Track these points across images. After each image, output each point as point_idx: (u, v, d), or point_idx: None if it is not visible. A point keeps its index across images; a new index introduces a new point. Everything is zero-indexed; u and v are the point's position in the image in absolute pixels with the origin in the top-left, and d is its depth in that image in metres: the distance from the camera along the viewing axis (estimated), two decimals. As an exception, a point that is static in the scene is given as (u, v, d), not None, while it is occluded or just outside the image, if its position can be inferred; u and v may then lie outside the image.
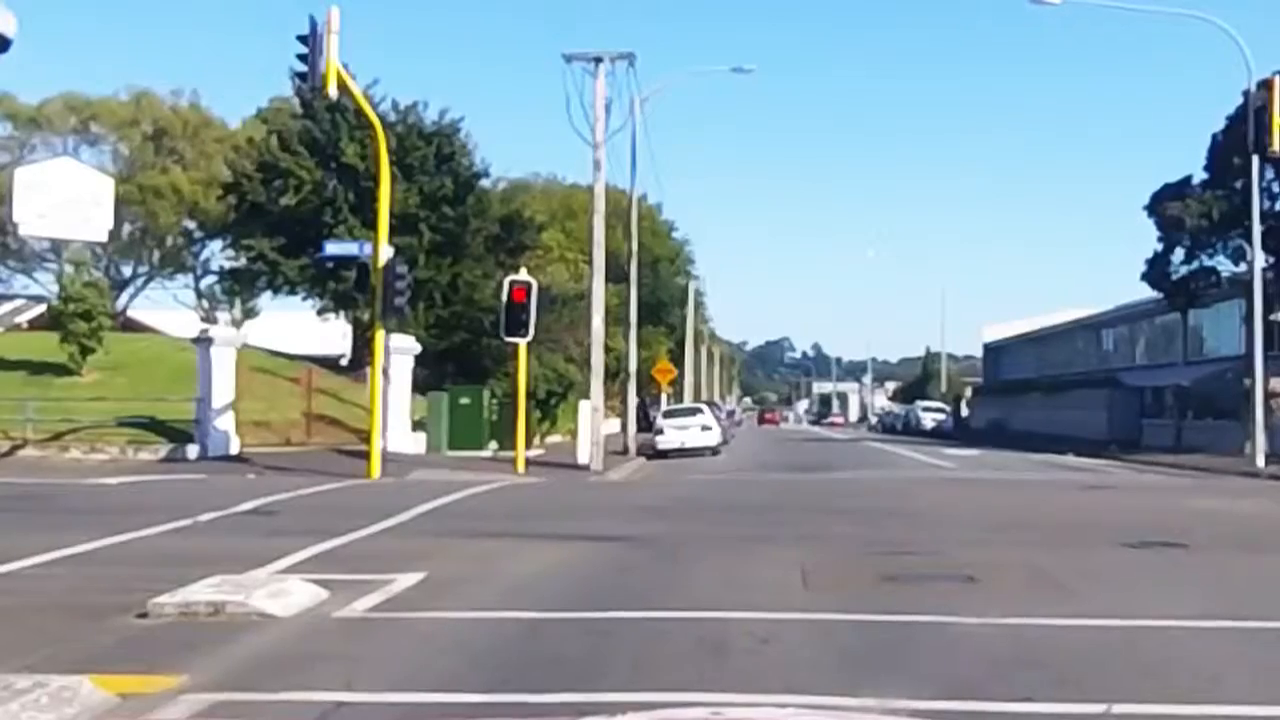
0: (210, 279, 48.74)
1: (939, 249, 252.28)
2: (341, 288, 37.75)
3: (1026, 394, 69.95)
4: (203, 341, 27.97)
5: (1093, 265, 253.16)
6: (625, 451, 37.89)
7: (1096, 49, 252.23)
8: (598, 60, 29.63)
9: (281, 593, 8.27)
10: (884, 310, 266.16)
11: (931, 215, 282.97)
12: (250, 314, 55.65)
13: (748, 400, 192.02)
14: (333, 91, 22.14)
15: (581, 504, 16.49)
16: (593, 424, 29.59)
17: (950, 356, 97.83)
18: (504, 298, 26.65)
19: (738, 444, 54.54)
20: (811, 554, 10.84)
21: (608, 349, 55.77)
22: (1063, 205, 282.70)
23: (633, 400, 39.00)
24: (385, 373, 28.81)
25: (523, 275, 27.18)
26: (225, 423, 27.58)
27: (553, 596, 8.67)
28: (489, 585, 9.27)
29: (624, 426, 38.87)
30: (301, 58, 22.00)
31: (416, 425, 31.73)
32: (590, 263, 30.44)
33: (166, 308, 57.41)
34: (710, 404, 53.59)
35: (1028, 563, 10.27)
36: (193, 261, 48.41)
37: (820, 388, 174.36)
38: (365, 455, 26.84)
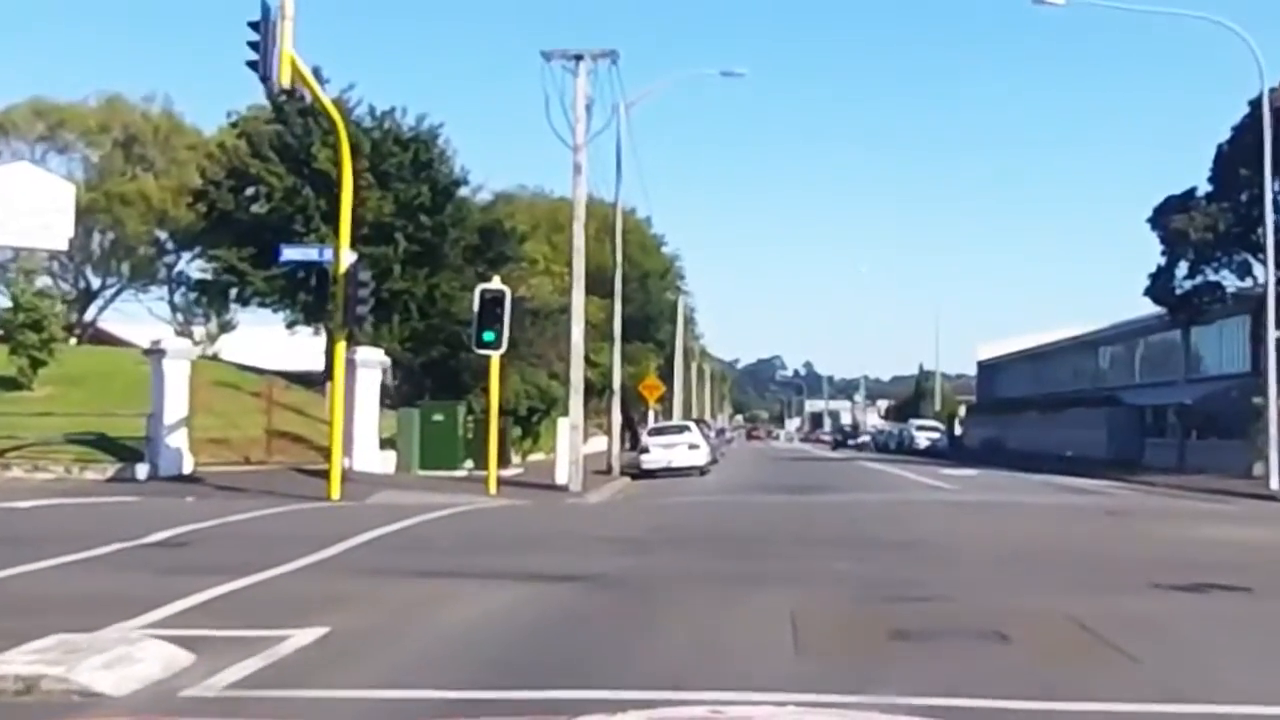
0: (186, 291, 46.85)
1: (932, 266, 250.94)
2: (311, 299, 35.86)
3: (1022, 412, 68.22)
4: (154, 353, 26.07)
5: (1088, 283, 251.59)
6: (609, 471, 36.02)
7: (1096, 60, 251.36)
8: (578, 58, 27.87)
9: (125, 660, 6.40)
10: (876, 328, 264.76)
11: (925, 232, 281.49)
12: (226, 327, 53.77)
13: (739, 418, 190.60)
14: (286, 82, 20.30)
15: (548, 532, 14.61)
16: (572, 443, 27.74)
17: (943, 375, 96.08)
18: (475, 308, 24.83)
19: (728, 463, 52.67)
20: (804, 599, 9.01)
21: (593, 364, 54.03)
22: (1057, 222, 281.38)
23: (617, 417, 37.14)
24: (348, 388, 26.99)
25: (495, 284, 25.35)
26: (178, 440, 25.65)
27: (477, 665, 6.81)
28: (402, 646, 7.41)
29: (610, 445, 36.99)
30: (253, 45, 20.16)
31: (386, 443, 29.84)
32: (570, 272, 28.60)
33: (140, 321, 55.47)
34: (699, 422, 51.70)
35: (1067, 613, 8.42)
36: (166, 273, 46.47)
37: (812, 406, 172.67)
38: (327, 475, 25.10)
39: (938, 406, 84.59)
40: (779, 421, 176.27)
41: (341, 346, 23.53)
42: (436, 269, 37.83)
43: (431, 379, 39.22)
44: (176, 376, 25.59)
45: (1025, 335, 77.26)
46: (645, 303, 72.72)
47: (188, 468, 25.56)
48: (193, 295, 45.19)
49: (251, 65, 20.30)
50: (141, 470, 25.16)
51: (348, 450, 28.09)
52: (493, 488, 24.50)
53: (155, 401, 25.49)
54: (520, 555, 11.74)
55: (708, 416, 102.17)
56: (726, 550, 12.18)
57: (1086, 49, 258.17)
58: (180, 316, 54.38)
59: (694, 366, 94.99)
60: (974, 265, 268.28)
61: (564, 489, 27.21)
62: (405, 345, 37.06)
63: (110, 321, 54.04)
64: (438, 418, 30.52)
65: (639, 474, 36.57)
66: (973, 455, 61.21)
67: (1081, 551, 12.79)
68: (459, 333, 38.94)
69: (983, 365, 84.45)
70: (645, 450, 36.91)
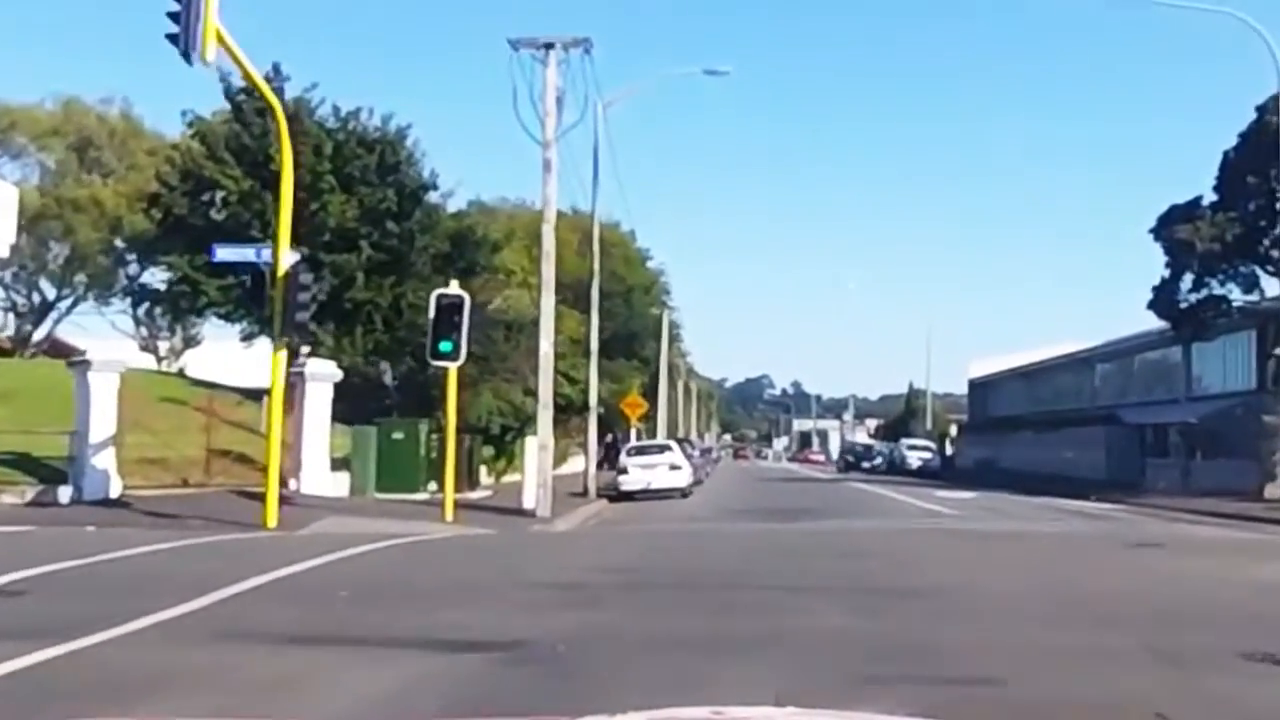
0: (135, 303, 44.28)
1: (921, 284, 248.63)
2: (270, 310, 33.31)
3: (1016, 432, 65.93)
4: (78, 365, 23.58)
5: (1082, 300, 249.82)
6: (585, 493, 33.55)
7: (1091, 70, 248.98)
8: (548, 46, 25.54)
9: None
10: (865, 347, 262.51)
11: (913, 250, 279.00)
12: (191, 341, 51.26)
13: (727, 437, 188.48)
14: (209, 57, 17.87)
15: (488, 574, 12.14)
16: (540, 464, 25.29)
17: (933, 394, 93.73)
18: (431, 315, 22.42)
19: (713, 483, 50.19)
20: (793, 678, 6.61)
21: (572, 381, 51.66)
22: (1048, 238, 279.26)
23: (593, 436, 34.69)
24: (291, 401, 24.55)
25: (453, 289, 22.93)
26: (105, 460, 23.13)
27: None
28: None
29: (586, 465, 34.51)
30: (173, 16, 17.75)
31: (341, 464, 27.38)
32: (539, 279, 26.21)
33: (104, 336, 52.90)
34: (682, 441, 49.17)
35: (1151, 706, 6.01)
36: (127, 284, 43.86)
37: (800, 425, 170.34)
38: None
39: (929, 425, 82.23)
40: (767, 441, 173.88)
41: (281, 357, 21.07)
42: (403, 278, 35.46)
43: (398, 394, 36.75)
44: (103, 390, 23.08)
45: (1018, 353, 75.15)
46: (629, 318, 70.37)
47: (116, 490, 23.06)
48: (145, 307, 42.67)
49: (171, 39, 17.86)
50: (64, 493, 22.66)
51: (295, 472, 25.66)
52: (449, 514, 22.04)
53: (79, 418, 23.00)
54: (438, 610, 9.28)
55: (694, 435, 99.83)
56: (697, 600, 9.73)
57: (1081, 57, 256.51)
58: (144, 330, 51.83)
59: (680, 384, 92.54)
60: (964, 283, 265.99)
61: (531, 514, 24.79)
62: (368, 359, 34.59)
63: (74, 336, 51.51)
64: (398, 435, 28.07)
65: (617, 496, 34.15)
66: (966, 476, 58.94)
67: (1129, 600, 10.37)
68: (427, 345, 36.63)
69: (974, 383, 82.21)
70: (623, 471, 34.47)
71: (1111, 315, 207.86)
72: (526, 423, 40.28)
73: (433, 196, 36.85)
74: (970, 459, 69.60)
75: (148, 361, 50.54)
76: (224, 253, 23.46)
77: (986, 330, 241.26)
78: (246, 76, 19.12)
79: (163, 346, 52.99)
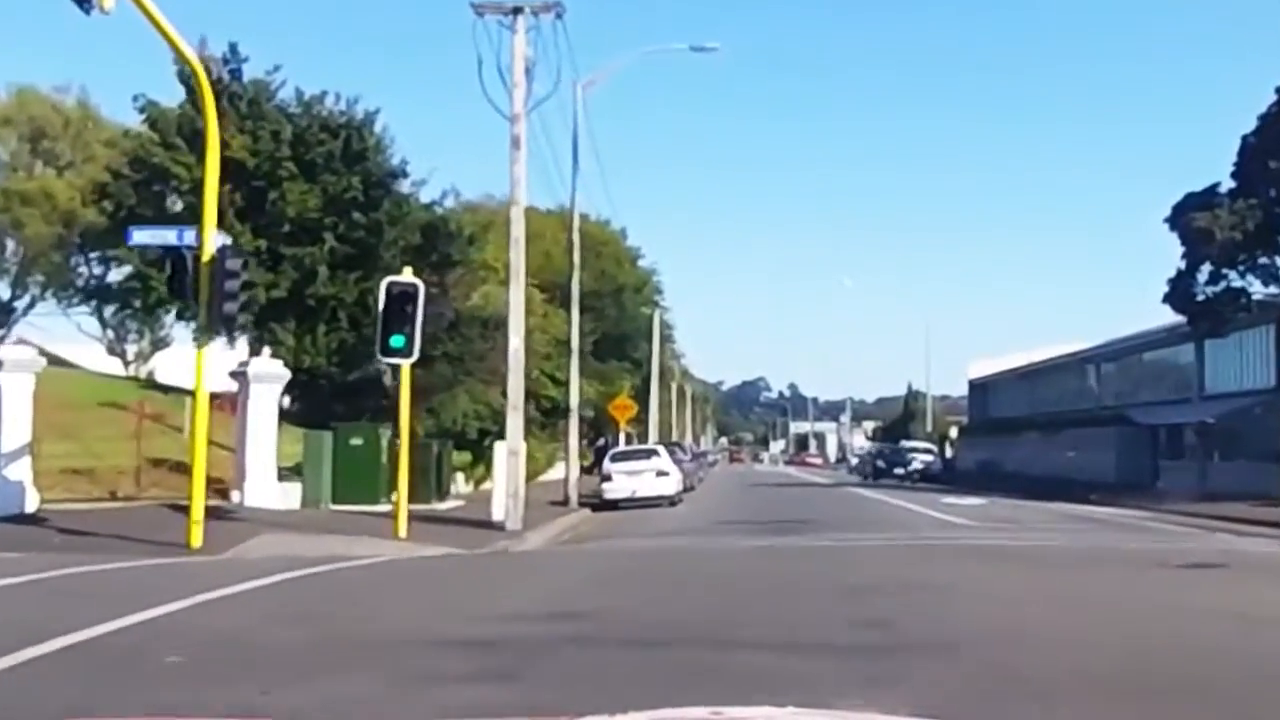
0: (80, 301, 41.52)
1: (919, 285, 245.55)
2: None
3: (1020, 433, 63.24)
4: (-15, 365, 20.85)
5: (1081, 301, 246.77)
6: (565, 502, 30.89)
7: (1093, 58, 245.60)
8: (516, 11, 22.87)
9: None
10: (862, 350, 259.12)
11: (911, 250, 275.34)
12: (160, 344, 48.54)
13: (724, 440, 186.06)
14: (109, 5, 15.19)
15: (399, 618, 9.44)
16: (510, 471, 22.62)
17: (931, 395, 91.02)
18: (380, 305, 19.76)
19: (706, 488, 47.52)
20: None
21: (558, 382, 48.99)
22: (1047, 235, 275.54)
23: (574, 440, 32.00)
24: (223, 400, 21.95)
25: (406, 276, 20.27)
26: (19, 471, 20.44)
27: None
28: None
29: (567, 472, 31.79)
30: (65, -43, 15.08)
31: (292, 472, 24.72)
32: (509, 268, 23.56)
33: (71, 340, 50.21)
34: (673, 445, 46.37)
35: None
36: (84, 282, 41.10)
37: (797, 428, 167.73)
38: (207, 513, 20.18)
39: (929, 427, 79.54)
40: (764, 444, 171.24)
41: (204, 354, 18.41)
42: (371, 272, 32.67)
43: (366, 398, 34.06)
44: (16, 393, 20.37)
45: (1019, 353, 72.56)
46: (620, 319, 67.73)
47: (32, 505, 20.39)
48: (110, 307, 39.97)
49: (63, -15, 15.21)
50: (-29, 510, 20.00)
51: (239, 483, 23.02)
52: (401, 530, 19.37)
53: (-11, 424, 20.33)
54: (290, 684, 6.59)
55: (688, 439, 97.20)
56: (653, 670, 7.00)
57: (1083, 44, 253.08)
58: (110, 332, 49.08)
59: (674, 387, 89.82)
60: (962, 283, 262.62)
61: (499, 527, 22.15)
62: (332, 359, 31.92)
63: (42, 340, 48.85)
64: (356, 441, 25.38)
65: (601, 505, 31.49)
66: (968, 479, 56.31)
67: (1232, 660, 7.68)
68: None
69: (974, 384, 79.56)
70: (608, 478, 31.78)
71: (1112, 315, 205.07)
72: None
73: (404, 186, 34.16)
74: (971, 461, 66.95)
75: (114, 365, 47.84)
76: (140, 235, 20.73)
77: (985, 331, 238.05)
78: (158, 29, 16.48)
79: (131, 350, 50.24)
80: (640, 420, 64.91)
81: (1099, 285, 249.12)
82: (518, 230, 23.06)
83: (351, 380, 33.93)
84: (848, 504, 32.51)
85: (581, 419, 61.88)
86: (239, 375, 23.50)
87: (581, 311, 65.26)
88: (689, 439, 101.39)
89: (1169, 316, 47.10)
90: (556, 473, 44.87)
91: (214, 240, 17.99)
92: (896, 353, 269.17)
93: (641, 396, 66.47)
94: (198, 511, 17.51)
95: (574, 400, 32.27)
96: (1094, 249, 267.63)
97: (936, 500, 34.64)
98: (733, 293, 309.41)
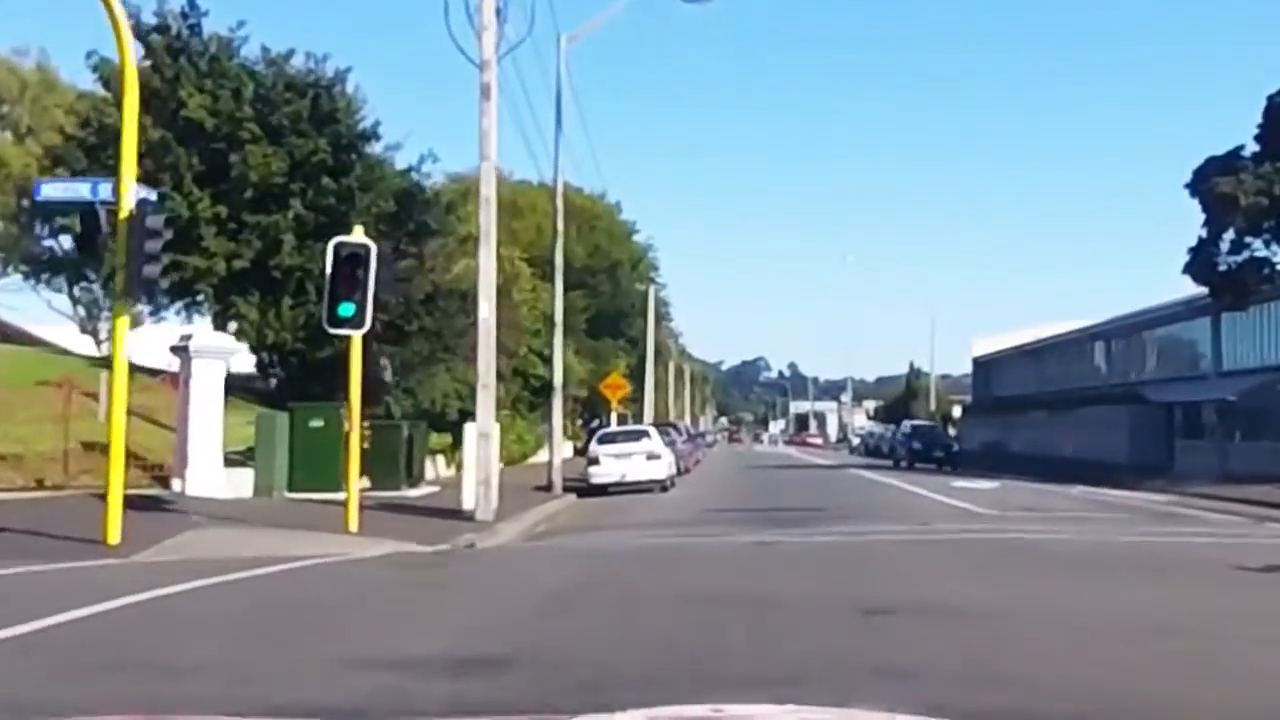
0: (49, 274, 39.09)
1: (919, 262, 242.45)
2: (181, 276, 28.28)
3: (1027, 412, 60.77)
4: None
5: (1085, 277, 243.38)
6: (549, 487, 28.56)
7: (1098, 29, 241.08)
8: (484, -57, 20.40)
9: None
10: (862, 329, 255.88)
11: (911, 228, 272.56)
12: (134, 321, 46.01)
13: (724, 420, 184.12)
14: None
15: (247, 668, 7.00)
16: (480, 457, 20.27)
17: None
18: (328, 268, 17.34)
19: (702, 471, 45.20)
20: None
21: (547, 360, 46.60)
22: (1052, 211, 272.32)
23: (559, 420, 29.64)
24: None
25: (356, 236, 17.84)
26: (-72, 458, 18.16)
27: None
28: None
29: (551, 455, 29.41)
30: None
31: (245, 457, 22.38)
32: (478, 228, 21.14)
33: (38, 318, 47.90)
34: (667, 425, 43.89)
35: None
36: (44, 255, 38.61)
37: (797, 407, 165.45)
38: (141, 503, 18.02)
39: (932, 406, 77.13)
40: (764, 424, 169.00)
41: (124, 323, 16.05)
42: (341, 242, 30.29)
43: (343, 377, 31.69)
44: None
45: (1025, 329, 70.14)
46: (615, 295, 65.36)
47: (-58, 495, 18.12)
48: (77, 282, 37.60)
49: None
50: (-127, 500, 17.70)
51: (180, 470, 20.68)
52: (353, 523, 17.03)
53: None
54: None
55: (686, 419, 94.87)
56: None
57: (1088, 13, 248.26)
58: (82, 310, 46.68)
59: (671, 366, 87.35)
60: (963, 260, 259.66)
61: (469, 517, 19.84)
62: (299, 335, 29.51)
63: (20, 320, 46.57)
64: (316, 424, 23.02)
65: (588, 490, 29.17)
66: (973, 460, 54.00)
67: None
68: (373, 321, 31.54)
69: (978, 362, 77.09)
70: (594, 461, 29.40)
71: (1117, 292, 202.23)
72: (489, 407, 35.33)
73: (378, 151, 31.62)
74: (977, 441, 64.57)
75: (87, 345, 45.49)
76: (50, 189, 18.29)
77: (988, 308, 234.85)
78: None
79: (106, 328, 47.74)
80: (635, 400, 62.57)
81: (1104, 263, 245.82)
82: (488, 189, 20.64)
83: (325, 358, 31.52)
84: (850, 489, 30.14)
85: (575, 399, 59.61)
86: (180, 350, 21.16)
87: (575, 287, 62.94)
88: (687, 419, 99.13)
89: (1179, 291, 44.81)
90: (546, 455, 42.55)
91: (132, 194, 15.57)
92: (898, 332, 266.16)
93: (637, 376, 64.13)
94: (116, 503, 15.15)
95: (557, 377, 29.88)
96: (1099, 226, 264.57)
97: (944, 484, 32.32)
98: (733, 272, 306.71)
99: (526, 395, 44.54)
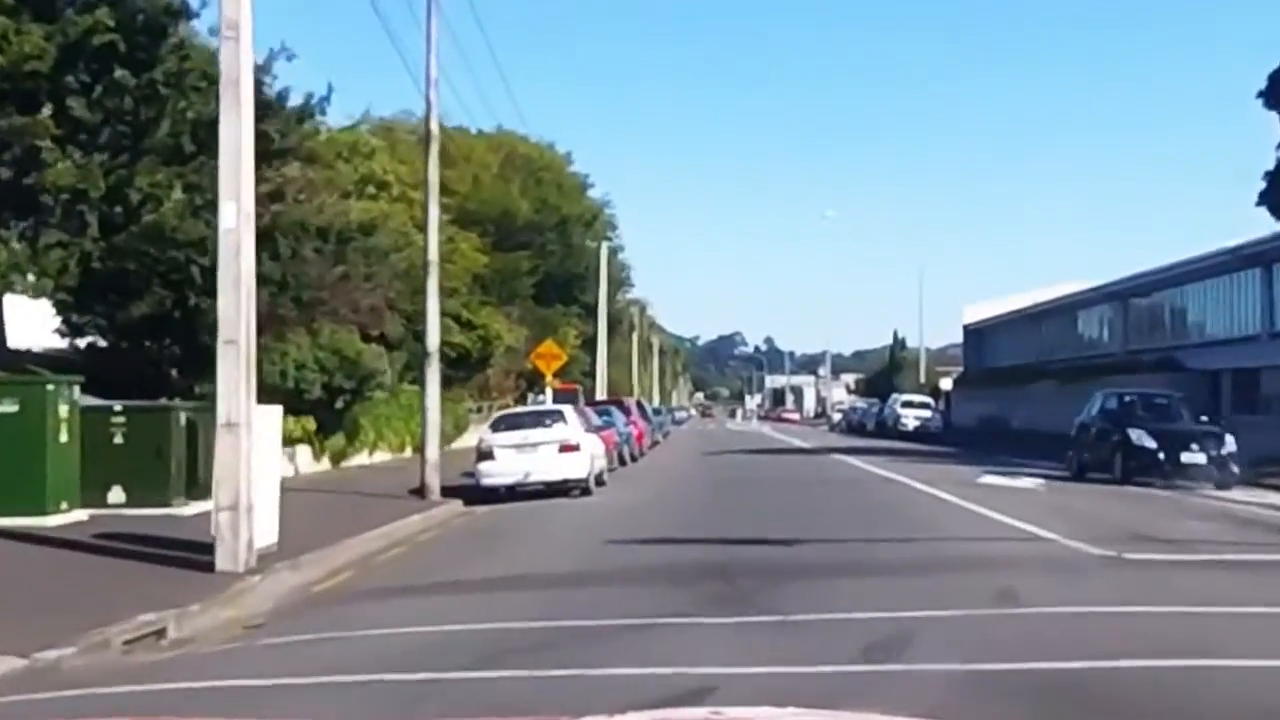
0: None
1: (904, 228, 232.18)
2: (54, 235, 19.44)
3: (1028, 384, 52.30)
4: None
5: (1079, 240, 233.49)
6: (422, 492, 19.89)
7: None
8: None
9: None
10: (841, 300, 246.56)
11: (895, 192, 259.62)
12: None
13: (699, 396, 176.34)
14: None
15: None
16: (227, 461, 11.60)
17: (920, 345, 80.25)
18: None
19: (657, 457, 36.61)
20: None
21: (468, 325, 37.86)
22: (1043, 173, 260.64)
23: (434, 397, 20.82)
24: None
25: None
26: None
27: None
28: None
29: (425, 445, 20.50)
30: None
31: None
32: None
33: None
34: (610, 404, 34.88)
35: None
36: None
37: (774, 382, 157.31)
38: None
39: (921, 379, 68.78)
40: (739, 399, 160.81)
41: None
42: (137, 158, 21.50)
43: (151, 345, 22.92)
44: None
45: (1019, 294, 61.89)
46: (565, 257, 56.59)
47: None
48: None
49: None
50: None
51: None
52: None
53: None
54: None
55: (655, 395, 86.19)
56: None
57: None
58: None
59: (635, 337, 78.55)
60: (950, 223, 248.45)
61: (206, 564, 11.35)
62: (81, 279, 20.82)
63: None
64: (8, 409, 14.30)
65: (479, 495, 20.55)
66: (971, 438, 45.86)
67: None
68: (187, 266, 22.69)
69: (970, 330, 68.77)
70: (486, 455, 20.59)
71: (1117, 253, 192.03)
72: (365, 381, 26.58)
73: (195, 35, 22.70)
74: (971, 416, 56.38)
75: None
76: None
77: (976, 274, 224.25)
78: None
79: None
80: (589, 374, 53.94)
81: (1098, 225, 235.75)
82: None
83: (143, 318, 22.77)
84: (842, 491, 21.43)
85: (516, 375, 50.92)
86: None
87: (520, 247, 53.80)
88: (656, 396, 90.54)
89: (1186, 252, 37.62)
90: (466, 440, 34.01)
91: None
92: (878, 302, 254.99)
93: (593, 348, 55.48)
94: None
95: (433, 340, 21.02)
96: (1098, 188, 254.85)
97: (960, 477, 23.87)
98: (708, 245, 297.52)
99: (441, 368, 35.74)
